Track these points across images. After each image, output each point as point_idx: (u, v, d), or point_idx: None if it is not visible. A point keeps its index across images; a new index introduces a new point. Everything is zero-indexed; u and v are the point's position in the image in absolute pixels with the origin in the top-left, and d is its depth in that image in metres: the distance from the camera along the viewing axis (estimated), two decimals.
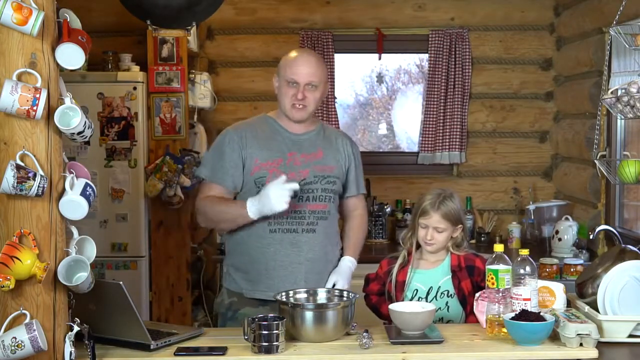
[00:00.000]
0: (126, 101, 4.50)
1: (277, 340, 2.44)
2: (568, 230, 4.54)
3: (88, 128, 2.34)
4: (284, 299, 2.67)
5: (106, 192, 4.49)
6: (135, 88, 4.51)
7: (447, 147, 5.20)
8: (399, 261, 3.04)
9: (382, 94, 5.64)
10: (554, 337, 2.51)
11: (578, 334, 2.44)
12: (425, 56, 5.30)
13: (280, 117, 3.12)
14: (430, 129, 5.22)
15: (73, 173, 2.35)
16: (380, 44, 5.24)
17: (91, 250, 2.41)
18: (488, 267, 2.66)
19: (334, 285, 3.03)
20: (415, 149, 5.36)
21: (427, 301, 2.93)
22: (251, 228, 3.01)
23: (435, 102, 5.19)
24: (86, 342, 2.35)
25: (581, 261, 4.22)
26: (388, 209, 5.17)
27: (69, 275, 2.29)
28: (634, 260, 2.65)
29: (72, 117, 2.27)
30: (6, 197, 2.25)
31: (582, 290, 2.75)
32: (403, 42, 5.31)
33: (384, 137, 5.69)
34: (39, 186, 2.21)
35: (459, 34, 5.19)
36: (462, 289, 2.94)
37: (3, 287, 2.18)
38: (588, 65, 4.57)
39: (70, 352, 2.31)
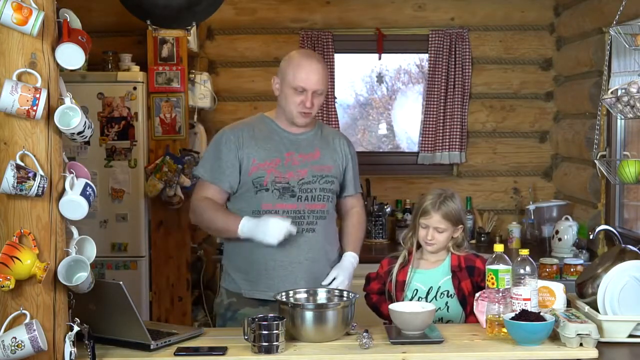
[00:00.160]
0: (126, 101, 4.50)
1: (277, 340, 2.44)
2: (568, 230, 4.53)
3: (88, 128, 2.34)
4: (284, 299, 2.67)
5: (106, 192, 4.49)
6: (135, 88, 4.51)
7: (447, 147, 5.19)
8: (399, 261, 3.04)
9: (382, 94, 5.63)
10: (554, 337, 2.51)
11: (578, 334, 2.44)
12: (425, 56, 5.30)
13: (278, 117, 3.12)
14: (430, 129, 5.21)
15: (73, 173, 2.35)
16: (380, 44, 5.23)
17: (91, 250, 2.41)
18: (488, 267, 2.66)
19: (333, 281, 3.02)
20: (415, 149, 5.35)
21: (427, 301, 2.93)
22: None
23: (435, 102, 5.19)
24: (86, 342, 2.35)
25: (581, 261, 4.22)
26: (388, 209, 5.16)
27: (69, 275, 2.29)
28: (634, 260, 2.65)
29: (72, 117, 2.27)
30: (6, 197, 2.25)
31: (582, 290, 2.75)
32: (403, 42, 5.30)
33: (384, 137, 5.68)
34: (39, 186, 2.21)
35: (459, 34, 5.19)
36: (462, 289, 2.94)
37: (3, 287, 2.18)
38: (588, 65, 4.56)
39: (70, 352, 2.31)
